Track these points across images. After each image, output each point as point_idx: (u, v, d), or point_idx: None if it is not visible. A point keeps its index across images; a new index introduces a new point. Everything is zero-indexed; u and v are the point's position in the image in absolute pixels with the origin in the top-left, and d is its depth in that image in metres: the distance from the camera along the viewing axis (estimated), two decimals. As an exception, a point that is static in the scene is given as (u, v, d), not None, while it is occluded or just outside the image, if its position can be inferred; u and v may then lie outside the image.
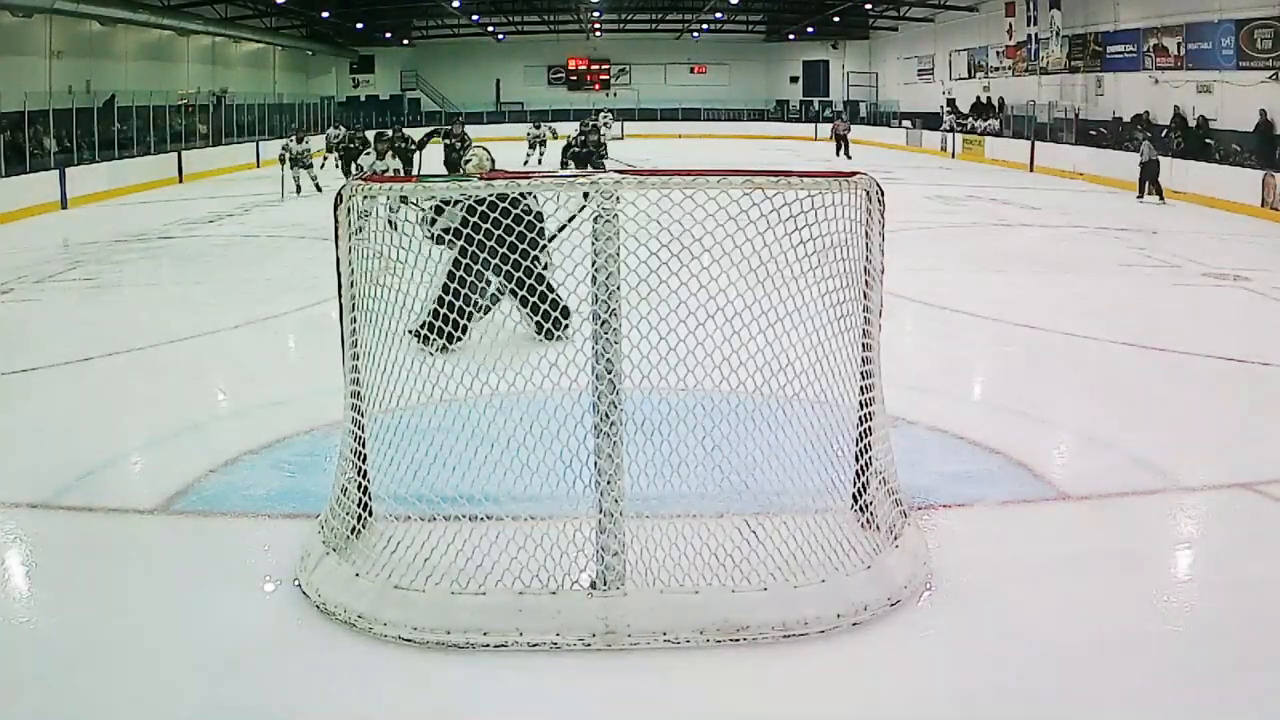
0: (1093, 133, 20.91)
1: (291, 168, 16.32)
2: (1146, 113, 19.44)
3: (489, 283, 5.25)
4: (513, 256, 3.47)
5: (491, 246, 3.52)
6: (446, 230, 4.61)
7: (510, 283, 4.33)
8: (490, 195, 3.30)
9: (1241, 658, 2.82)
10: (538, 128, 22.23)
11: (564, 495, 3.20)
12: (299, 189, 16.26)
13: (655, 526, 3.13)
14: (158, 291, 8.60)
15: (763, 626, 2.86)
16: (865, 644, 2.87)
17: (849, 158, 23.11)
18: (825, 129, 32.68)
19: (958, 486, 3.96)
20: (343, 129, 23.26)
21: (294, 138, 17.01)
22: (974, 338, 6.70)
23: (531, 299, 3.80)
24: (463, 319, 4.00)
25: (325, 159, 20.52)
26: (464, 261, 3.89)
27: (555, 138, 20.59)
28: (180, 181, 18.72)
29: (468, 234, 3.58)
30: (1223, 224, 12.66)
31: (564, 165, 13.90)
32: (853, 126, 27.63)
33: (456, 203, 4.98)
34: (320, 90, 34.45)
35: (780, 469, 3.27)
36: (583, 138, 12.77)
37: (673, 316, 3.16)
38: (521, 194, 3.68)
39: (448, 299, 3.78)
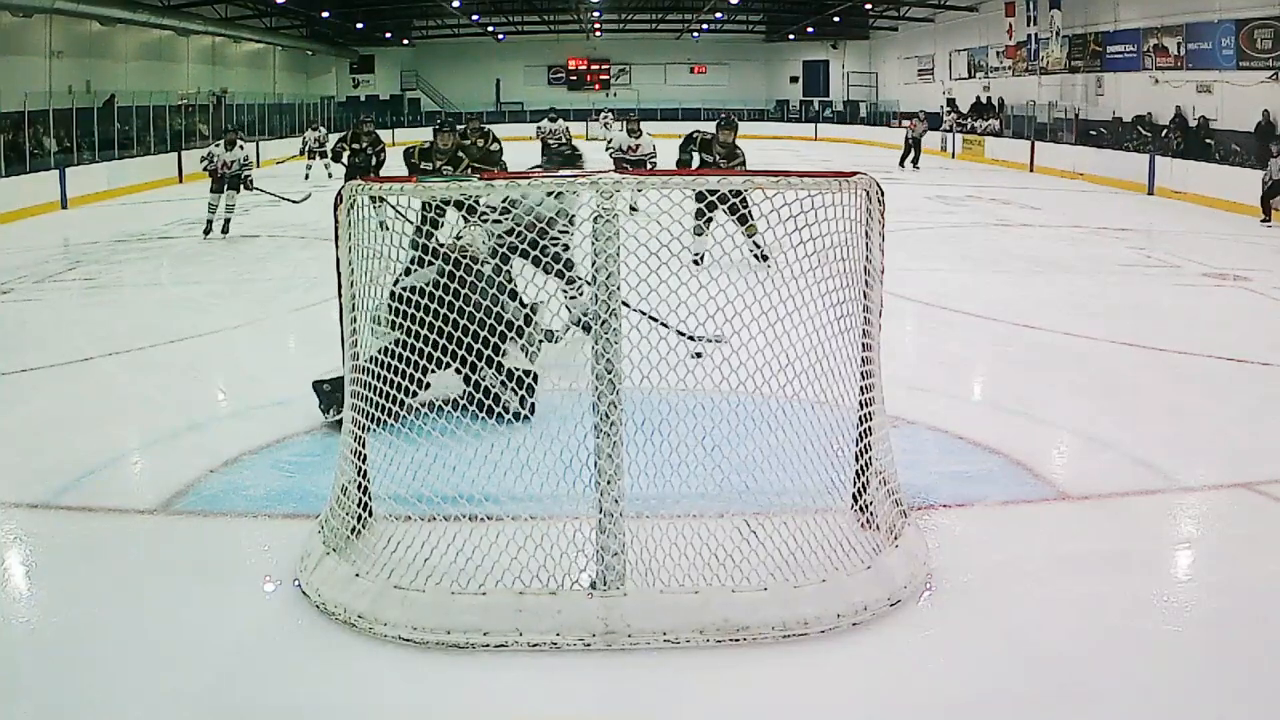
0: (1093, 133, 20.91)
1: (216, 188, 11.20)
2: (1149, 114, 19.46)
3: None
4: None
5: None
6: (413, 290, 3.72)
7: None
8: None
9: (1241, 658, 2.82)
10: (554, 120, 16.55)
11: (564, 495, 3.20)
12: (222, 228, 11.21)
13: (655, 526, 3.13)
14: (158, 291, 8.60)
15: (763, 626, 2.86)
16: (865, 644, 2.87)
17: (916, 167, 20.06)
18: (829, 129, 32.69)
19: (958, 486, 3.96)
20: (322, 129, 19.94)
21: (223, 142, 11.42)
22: (974, 338, 6.70)
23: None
24: (406, 396, 3.46)
25: (309, 166, 18.66)
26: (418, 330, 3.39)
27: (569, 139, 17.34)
28: (180, 181, 18.69)
29: (439, 296, 3.31)
30: (1223, 224, 12.66)
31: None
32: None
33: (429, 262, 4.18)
34: (320, 90, 34.46)
35: (780, 469, 3.27)
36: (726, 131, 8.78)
37: (673, 316, 3.17)
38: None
39: (389, 374, 3.35)
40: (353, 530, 3.25)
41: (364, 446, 3.33)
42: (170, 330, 6.73)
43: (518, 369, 4.54)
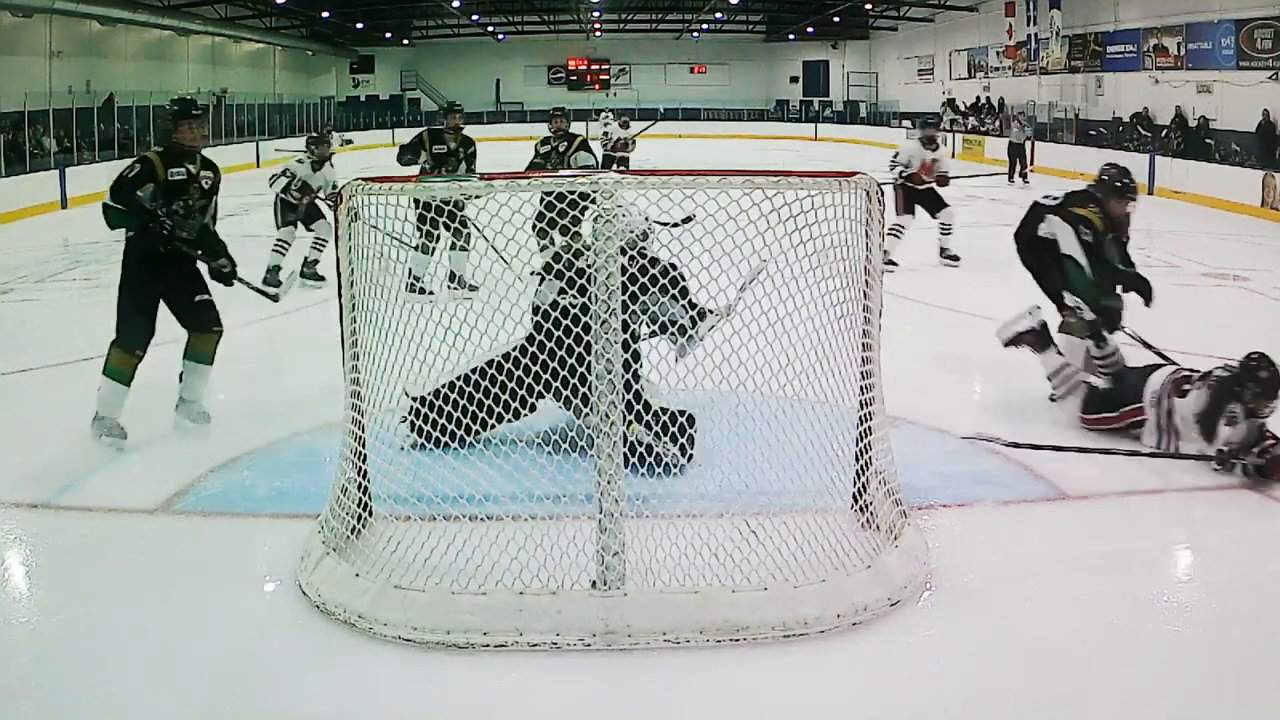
0: (1093, 133, 20.92)
1: (288, 219, 8.06)
2: (1145, 109, 19.46)
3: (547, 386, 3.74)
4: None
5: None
6: (536, 310, 3.76)
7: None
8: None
9: (1241, 658, 2.82)
10: (626, 126, 15.22)
11: (564, 495, 3.21)
12: (313, 273, 8.02)
13: (655, 526, 3.13)
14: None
15: (763, 626, 2.86)
16: (865, 644, 2.87)
17: (1026, 182, 17.13)
18: (828, 129, 32.65)
19: (958, 486, 3.96)
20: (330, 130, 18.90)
21: (309, 161, 8.15)
22: (974, 338, 6.69)
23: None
24: (479, 425, 3.51)
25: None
26: (532, 351, 3.26)
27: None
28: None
29: (556, 317, 3.23)
30: (1223, 224, 12.65)
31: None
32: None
33: (560, 270, 3.85)
34: (320, 90, 34.47)
35: (780, 469, 3.27)
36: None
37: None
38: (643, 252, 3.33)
39: (473, 393, 3.43)
40: (353, 530, 3.25)
41: (364, 446, 3.33)
42: (170, 330, 6.72)
43: (668, 409, 3.71)
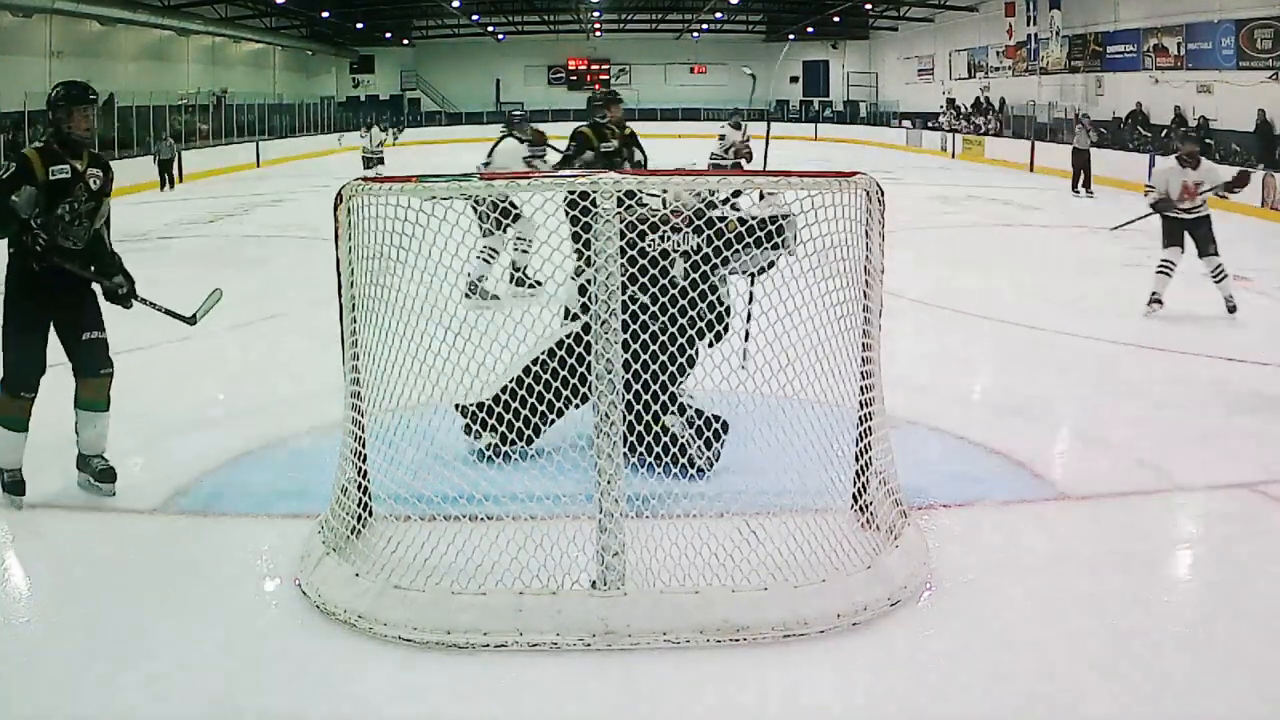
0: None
1: (495, 223, 6.79)
2: (1139, 104, 19.46)
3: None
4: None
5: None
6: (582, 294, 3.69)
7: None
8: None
9: (1241, 658, 2.81)
10: (737, 126, 12.76)
11: (564, 495, 3.21)
12: (525, 282, 6.80)
13: (655, 526, 3.13)
14: (158, 291, 8.58)
15: (763, 626, 2.86)
16: (865, 644, 2.87)
17: (1090, 193, 15.84)
18: (829, 129, 32.63)
19: (958, 486, 3.95)
20: (391, 129, 16.92)
21: (522, 129, 7.91)
22: (974, 338, 6.70)
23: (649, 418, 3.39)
24: (543, 421, 3.65)
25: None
26: (576, 339, 3.32)
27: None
28: (181, 182, 18.68)
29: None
30: (1223, 224, 12.62)
31: None
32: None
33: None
34: (320, 90, 34.49)
35: (780, 469, 3.27)
36: None
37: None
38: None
39: (534, 386, 3.53)
40: (353, 530, 3.25)
41: (364, 446, 3.33)
42: (170, 330, 6.71)
43: (706, 412, 3.80)
